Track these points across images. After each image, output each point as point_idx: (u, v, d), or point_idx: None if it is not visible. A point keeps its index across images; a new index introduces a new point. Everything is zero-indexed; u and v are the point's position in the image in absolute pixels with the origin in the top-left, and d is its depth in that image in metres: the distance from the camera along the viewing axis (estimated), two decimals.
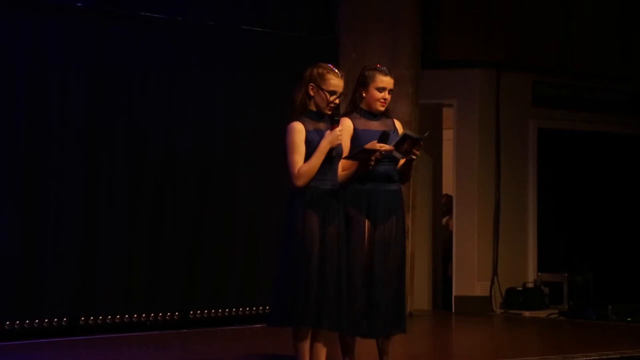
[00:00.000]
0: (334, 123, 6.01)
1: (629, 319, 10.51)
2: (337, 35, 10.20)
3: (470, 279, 11.14)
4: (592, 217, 12.00)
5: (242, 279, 9.48)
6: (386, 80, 6.30)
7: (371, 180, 6.21)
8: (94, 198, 8.68)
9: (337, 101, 6.05)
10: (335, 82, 6.04)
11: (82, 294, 8.58)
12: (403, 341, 6.35)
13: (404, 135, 6.11)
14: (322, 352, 6.08)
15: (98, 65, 8.73)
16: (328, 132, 5.99)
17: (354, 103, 6.34)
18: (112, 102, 8.80)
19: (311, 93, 6.04)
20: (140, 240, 8.92)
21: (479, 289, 11.13)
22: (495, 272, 11.19)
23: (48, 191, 8.44)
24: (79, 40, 8.62)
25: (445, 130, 11.83)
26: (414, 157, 6.19)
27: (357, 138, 6.19)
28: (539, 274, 11.51)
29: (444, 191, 11.97)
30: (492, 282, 11.16)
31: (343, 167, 6.14)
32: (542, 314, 11.04)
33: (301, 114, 6.01)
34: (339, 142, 6.03)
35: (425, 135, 6.42)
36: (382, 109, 6.32)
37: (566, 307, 11.22)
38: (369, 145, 6.01)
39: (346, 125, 6.20)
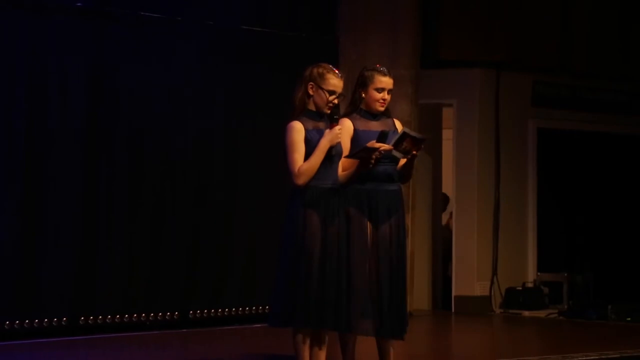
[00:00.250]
0: (333, 121, 6.03)
1: (629, 319, 10.52)
2: (337, 35, 10.20)
3: (469, 279, 11.14)
4: (592, 217, 12.01)
5: (242, 279, 9.48)
6: (385, 81, 6.31)
7: (371, 180, 6.21)
8: (93, 198, 8.68)
9: (336, 101, 6.07)
10: (335, 81, 6.05)
11: (81, 294, 8.58)
12: (403, 341, 6.35)
13: (403, 134, 6.11)
14: (322, 352, 6.09)
15: (98, 65, 8.73)
16: (327, 130, 6.00)
17: (354, 104, 6.35)
18: (111, 102, 8.80)
19: (310, 92, 6.05)
20: (140, 240, 8.92)
21: (479, 289, 11.13)
22: (495, 272, 11.19)
23: (48, 191, 8.44)
24: (79, 40, 8.62)
25: (445, 130, 11.84)
26: (410, 156, 6.18)
27: (357, 139, 6.20)
28: (539, 273, 11.51)
29: (444, 191, 11.97)
30: (492, 282, 11.16)
31: (343, 167, 6.14)
32: (541, 313, 11.05)
33: (300, 114, 6.02)
34: (339, 140, 6.04)
35: (425, 137, 6.43)
36: (382, 109, 6.32)
37: (566, 307, 11.23)
38: (369, 144, 6.02)
39: (346, 126, 6.21)
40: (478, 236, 11.15)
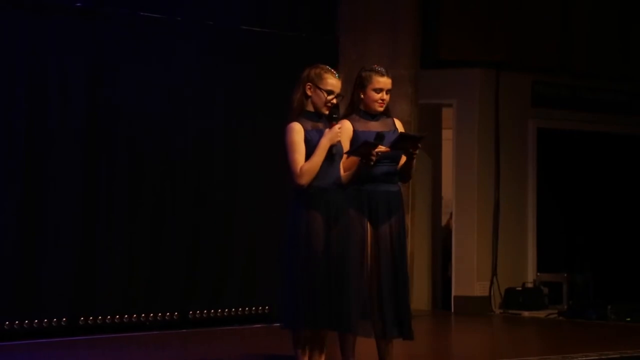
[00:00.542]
0: (332, 120, 6.03)
1: (629, 319, 10.51)
2: (337, 35, 10.20)
3: (469, 279, 11.14)
4: (592, 217, 12.00)
5: (241, 279, 9.48)
6: (383, 81, 6.30)
7: (371, 181, 6.22)
8: (93, 198, 8.68)
9: (334, 101, 6.07)
10: (333, 81, 6.06)
11: (81, 294, 8.58)
12: (402, 341, 6.35)
13: (400, 135, 6.14)
14: (322, 352, 6.09)
15: (98, 65, 8.73)
16: (327, 129, 6.00)
17: (353, 105, 6.35)
18: (111, 102, 8.80)
19: (309, 93, 6.05)
20: (140, 240, 8.93)
21: (479, 289, 11.13)
22: (494, 272, 11.19)
23: (48, 191, 8.44)
24: (78, 40, 8.62)
25: (444, 131, 11.83)
26: (409, 154, 6.18)
27: (356, 139, 6.20)
28: (539, 274, 11.51)
29: (443, 191, 11.96)
30: (492, 282, 11.16)
31: (345, 167, 6.14)
32: (541, 314, 11.04)
33: (299, 115, 6.02)
34: (339, 139, 6.04)
35: (424, 134, 6.43)
36: (381, 109, 6.32)
37: (565, 307, 11.22)
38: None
39: (345, 127, 6.20)
40: (478, 236, 11.15)
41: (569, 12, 11.72)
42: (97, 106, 8.72)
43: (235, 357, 7.82)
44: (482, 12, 11.14)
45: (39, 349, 8.04)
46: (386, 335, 6.24)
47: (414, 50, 10.44)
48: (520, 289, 11.19)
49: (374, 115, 6.32)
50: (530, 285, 11.35)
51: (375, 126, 6.28)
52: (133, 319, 8.86)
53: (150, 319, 8.97)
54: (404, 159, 6.28)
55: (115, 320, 8.76)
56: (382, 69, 6.34)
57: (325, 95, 6.03)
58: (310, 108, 6.06)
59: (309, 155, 5.95)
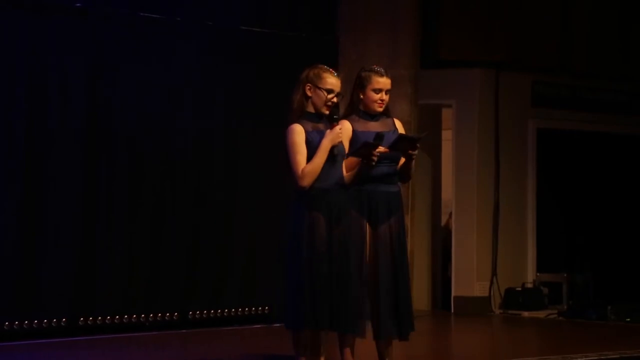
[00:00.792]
0: (333, 121, 6.03)
1: (628, 319, 10.51)
2: (337, 35, 10.19)
3: (469, 279, 11.14)
4: (592, 217, 12.00)
5: (242, 279, 9.48)
6: (382, 81, 6.30)
7: (371, 181, 6.22)
8: (93, 198, 8.68)
9: (334, 100, 6.07)
10: (332, 80, 6.06)
11: (81, 294, 8.58)
12: (403, 342, 6.35)
13: (399, 136, 6.14)
14: (321, 353, 6.09)
15: (98, 65, 8.73)
16: (328, 130, 6.00)
17: (352, 105, 6.35)
18: (111, 102, 8.79)
19: (308, 94, 6.05)
20: (140, 240, 8.92)
21: (478, 289, 11.12)
22: (494, 273, 11.19)
23: (48, 191, 8.44)
24: (78, 40, 8.62)
25: (444, 131, 11.83)
26: (408, 155, 6.19)
27: (356, 140, 6.20)
28: (538, 274, 11.51)
29: (443, 192, 11.96)
30: (491, 283, 11.16)
31: (346, 168, 6.14)
32: (541, 314, 11.04)
33: (299, 116, 6.02)
34: (340, 139, 6.04)
35: (424, 134, 6.44)
36: (380, 109, 6.32)
37: (565, 307, 11.22)
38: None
39: (345, 128, 6.21)
40: (478, 236, 11.15)
41: (569, 12, 11.71)
42: (97, 106, 8.72)
43: (235, 357, 7.82)
44: (482, 12, 11.14)
45: (39, 349, 8.03)
46: (381, 335, 6.24)
47: (413, 50, 10.44)
48: (520, 289, 11.19)
49: (373, 116, 6.33)
50: (530, 285, 11.35)
51: (374, 126, 6.28)
52: (133, 319, 8.86)
53: (150, 319, 8.96)
54: (403, 159, 6.29)
55: (115, 320, 8.76)
56: (382, 69, 6.34)
57: (326, 94, 6.03)
58: (311, 109, 6.06)
59: (310, 156, 5.95)
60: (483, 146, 11.26)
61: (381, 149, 6.05)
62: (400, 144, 6.14)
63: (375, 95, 6.29)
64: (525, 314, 10.99)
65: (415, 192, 10.51)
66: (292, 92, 6.11)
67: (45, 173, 8.44)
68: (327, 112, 6.05)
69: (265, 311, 9.54)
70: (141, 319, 8.91)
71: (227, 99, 9.44)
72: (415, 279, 10.56)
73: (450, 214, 11.66)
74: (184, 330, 9.03)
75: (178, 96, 9.15)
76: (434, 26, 11.06)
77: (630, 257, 12.15)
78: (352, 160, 6.14)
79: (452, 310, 11.17)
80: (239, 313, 9.45)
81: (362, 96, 6.31)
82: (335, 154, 6.01)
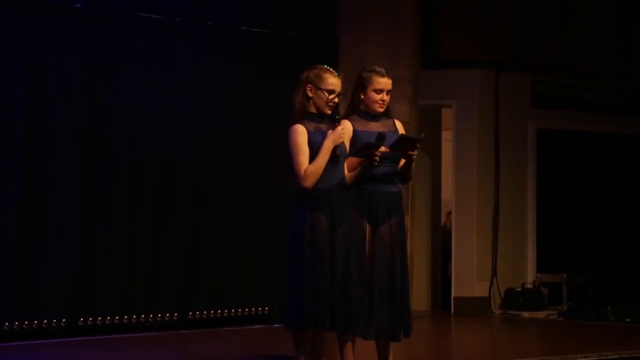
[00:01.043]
0: (335, 122, 6.04)
1: (628, 320, 10.51)
2: (337, 35, 10.19)
3: (469, 280, 11.14)
4: (592, 217, 12.00)
5: (241, 279, 9.48)
6: (383, 82, 6.30)
7: (371, 181, 6.22)
8: (93, 198, 8.68)
9: (336, 100, 6.07)
10: (333, 80, 6.06)
11: (81, 294, 8.58)
12: (402, 342, 6.35)
13: (400, 137, 6.15)
14: (321, 353, 6.09)
15: (98, 65, 8.73)
16: (330, 131, 6.00)
17: (353, 105, 6.35)
18: (111, 102, 8.79)
19: (310, 94, 6.05)
20: (140, 240, 8.92)
21: (478, 290, 11.12)
22: (494, 273, 11.19)
23: (48, 191, 8.44)
24: (78, 40, 8.62)
25: (444, 131, 11.83)
26: (408, 156, 6.19)
27: (357, 140, 6.20)
28: (538, 274, 11.50)
29: (443, 192, 11.96)
30: (491, 283, 11.16)
31: (348, 168, 6.14)
32: (541, 314, 11.04)
33: (301, 117, 6.02)
34: (342, 140, 6.05)
35: (423, 135, 6.44)
36: (381, 110, 6.32)
37: (565, 307, 11.22)
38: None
39: (346, 128, 6.20)
40: (477, 237, 11.15)
41: (569, 12, 11.71)
42: (97, 106, 8.72)
43: (235, 358, 7.82)
44: (482, 12, 11.14)
45: (39, 349, 8.04)
46: (379, 336, 6.24)
47: (414, 50, 10.44)
48: (519, 289, 11.18)
49: (374, 116, 6.33)
50: (529, 285, 11.35)
51: (375, 127, 6.28)
52: (133, 320, 8.86)
53: (150, 319, 8.96)
54: (403, 160, 6.29)
55: (115, 320, 8.76)
56: (383, 70, 6.34)
57: (327, 94, 6.03)
58: (312, 109, 6.06)
59: (312, 157, 5.95)
60: (483, 146, 11.26)
61: (383, 149, 6.05)
62: (401, 145, 6.14)
63: (377, 95, 6.29)
64: (525, 314, 10.99)
65: (415, 192, 10.52)
66: (292, 93, 6.11)
67: (45, 173, 8.44)
68: (330, 112, 6.05)
69: (265, 311, 9.54)
70: (141, 319, 8.91)
71: (227, 99, 9.43)
72: (415, 279, 10.57)
73: (447, 213, 11.66)
74: (183, 331, 9.03)
75: (178, 96, 9.15)
76: (434, 26, 11.06)
77: (630, 257, 12.15)
78: (354, 160, 6.14)
79: (452, 311, 11.17)
80: (238, 313, 9.45)
81: (363, 96, 6.31)
82: (337, 155, 6.01)
